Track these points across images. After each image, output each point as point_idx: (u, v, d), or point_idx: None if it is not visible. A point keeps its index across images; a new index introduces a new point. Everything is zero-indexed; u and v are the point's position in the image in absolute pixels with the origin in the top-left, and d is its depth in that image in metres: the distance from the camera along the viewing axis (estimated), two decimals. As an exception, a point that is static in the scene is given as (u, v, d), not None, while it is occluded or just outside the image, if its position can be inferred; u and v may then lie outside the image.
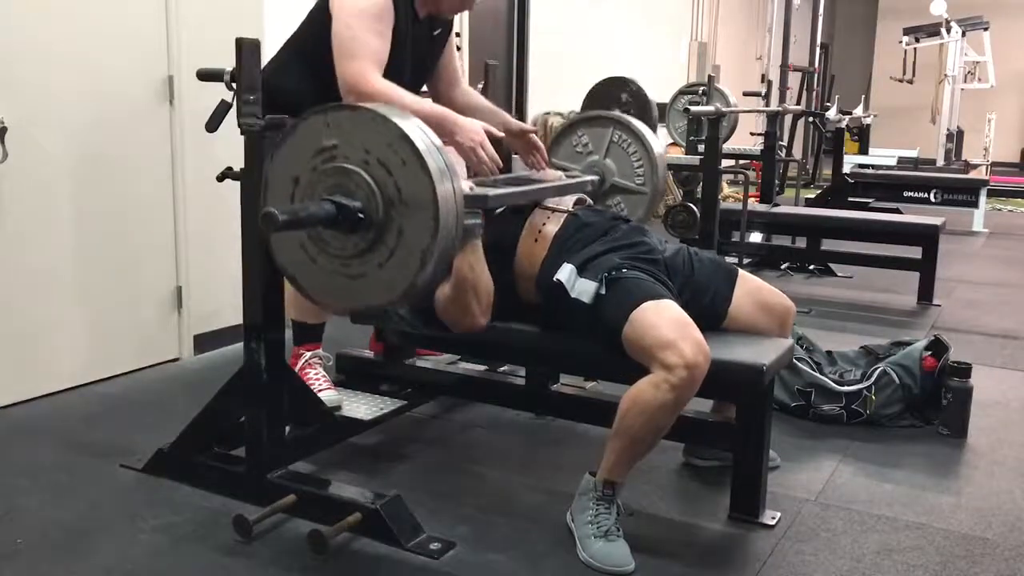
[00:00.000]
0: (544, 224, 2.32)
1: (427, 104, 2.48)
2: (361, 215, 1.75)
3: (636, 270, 2.16)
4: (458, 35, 5.58)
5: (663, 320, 2.02)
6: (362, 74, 2.33)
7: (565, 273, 2.17)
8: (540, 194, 2.44)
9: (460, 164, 2.09)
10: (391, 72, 2.40)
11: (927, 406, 2.95)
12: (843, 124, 7.42)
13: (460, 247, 2.08)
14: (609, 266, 2.15)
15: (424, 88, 2.82)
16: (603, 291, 2.11)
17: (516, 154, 2.87)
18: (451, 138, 2.34)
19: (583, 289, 2.14)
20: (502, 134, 2.62)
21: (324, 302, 1.93)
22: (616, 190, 2.78)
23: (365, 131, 1.77)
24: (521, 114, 6.48)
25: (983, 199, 7.61)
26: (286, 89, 2.45)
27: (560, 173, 2.74)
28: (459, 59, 3.04)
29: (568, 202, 2.40)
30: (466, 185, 2.13)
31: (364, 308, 1.86)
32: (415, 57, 2.63)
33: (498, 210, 2.59)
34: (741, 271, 2.39)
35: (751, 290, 2.36)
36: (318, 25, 2.51)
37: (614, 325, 2.06)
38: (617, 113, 2.84)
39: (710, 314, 2.27)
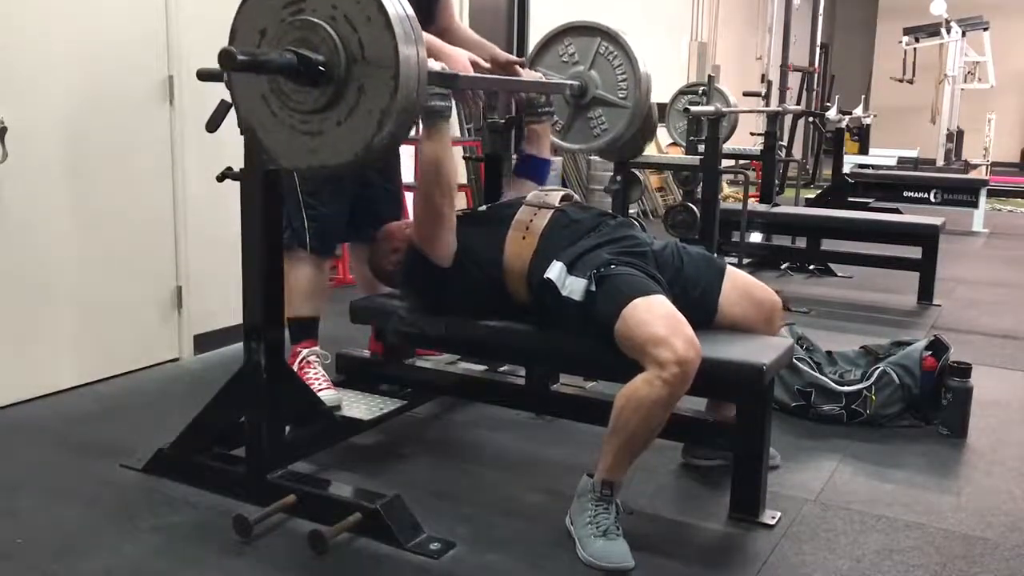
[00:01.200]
0: (531, 221, 2.32)
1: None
2: (322, 68, 1.74)
3: (626, 265, 2.16)
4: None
5: (654, 316, 2.02)
6: None
7: (555, 271, 2.17)
8: (514, 84, 2.42)
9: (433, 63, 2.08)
10: None
11: (927, 406, 2.95)
12: (843, 124, 7.42)
13: (427, 130, 2.12)
14: (598, 263, 2.16)
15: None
16: (593, 288, 2.12)
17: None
18: (420, 28, 2.33)
19: (573, 287, 2.14)
20: (488, 65, 2.62)
21: (283, 159, 1.93)
22: (597, 102, 2.77)
23: None
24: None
25: (983, 199, 7.61)
26: None
27: (539, 75, 2.75)
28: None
29: (555, 198, 2.41)
30: (437, 65, 2.13)
31: (320, 166, 1.85)
32: None
33: (485, 207, 2.60)
34: (730, 267, 2.40)
35: (739, 285, 2.36)
36: None
37: (606, 322, 2.07)
38: (607, 24, 2.83)
39: (700, 308, 2.27)
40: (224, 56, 1.67)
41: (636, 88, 2.74)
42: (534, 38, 6.67)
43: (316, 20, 1.76)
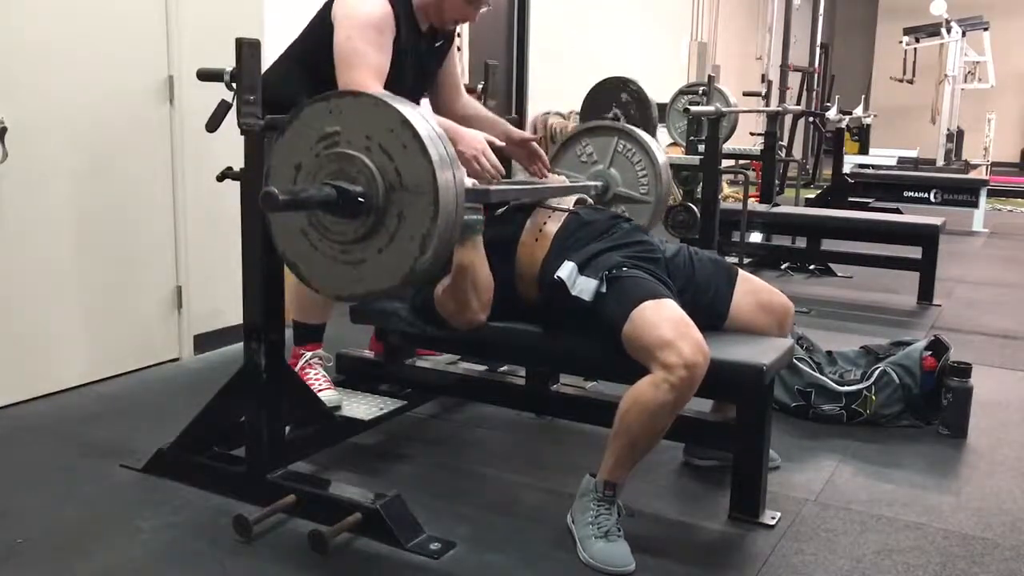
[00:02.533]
0: (545, 223, 2.32)
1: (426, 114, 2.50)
2: (361, 199, 1.76)
3: (637, 269, 2.16)
4: (458, 35, 5.58)
5: (663, 319, 2.02)
6: (363, 85, 2.33)
7: (566, 271, 2.17)
8: (542, 193, 2.45)
9: (462, 171, 2.10)
10: (392, 83, 2.41)
11: (927, 406, 2.95)
12: (843, 124, 7.42)
13: (461, 241, 2.10)
14: (610, 264, 2.16)
15: (424, 98, 2.83)
16: (604, 289, 2.12)
17: (518, 162, 2.87)
18: (453, 148, 2.34)
19: (584, 287, 2.14)
20: (503, 143, 2.63)
21: (325, 290, 1.94)
22: (620, 199, 2.79)
23: (367, 117, 1.78)
24: (521, 114, 6.48)
25: (983, 199, 7.61)
26: (287, 96, 2.46)
27: (563, 178, 2.75)
28: (460, 68, 3.05)
29: (569, 201, 2.41)
30: (469, 182, 2.13)
31: (365, 294, 1.87)
32: (416, 68, 2.65)
33: (500, 210, 2.60)
34: (741, 271, 2.40)
35: (751, 290, 2.36)
36: (319, 35, 2.52)
37: (614, 324, 2.07)
38: (622, 123, 2.86)
39: (711, 313, 2.27)
40: (266, 199, 1.67)
41: (656, 182, 2.77)
42: (534, 40, 6.68)
43: (352, 152, 1.77)
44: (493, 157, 2.45)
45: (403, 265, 1.78)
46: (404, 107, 1.77)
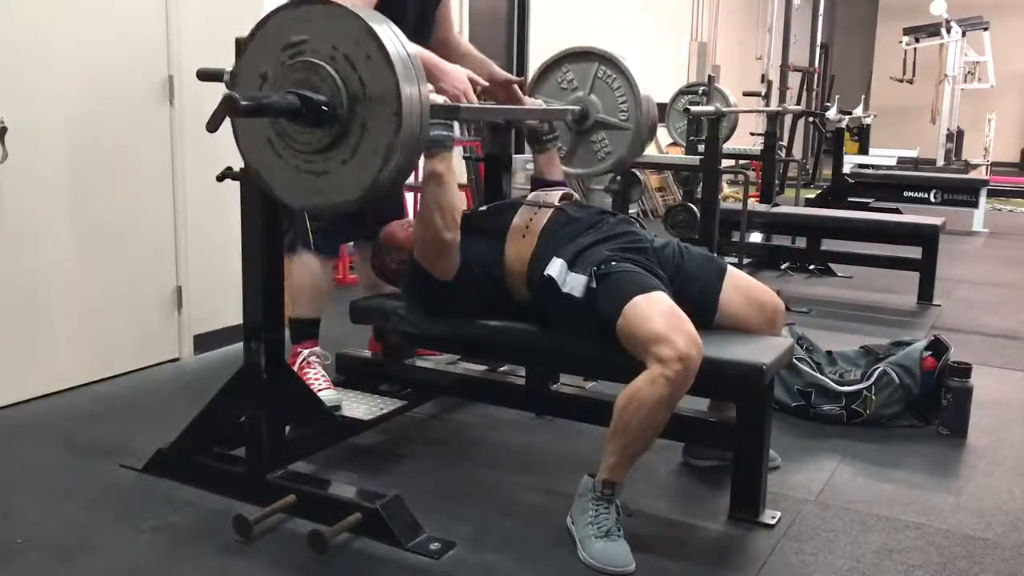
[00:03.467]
0: (530, 220, 2.32)
1: (412, 47, 2.50)
2: (325, 108, 1.76)
3: (626, 261, 2.17)
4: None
5: (654, 313, 2.02)
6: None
7: (556, 268, 2.17)
8: (518, 114, 2.43)
9: (430, 88, 2.09)
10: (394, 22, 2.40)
11: (927, 406, 2.95)
12: (843, 124, 7.42)
13: (429, 155, 2.13)
14: (598, 259, 2.16)
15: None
16: (594, 285, 2.12)
17: (498, 103, 2.86)
18: (436, 84, 2.34)
19: (574, 284, 2.14)
20: (487, 83, 2.62)
21: (288, 199, 1.94)
22: (599, 126, 2.78)
23: (333, 27, 1.78)
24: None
25: (983, 199, 7.61)
26: None
27: (539, 102, 2.76)
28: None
29: (554, 197, 2.41)
30: (439, 99, 2.14)
31: (326, 204, 1.87)
32: (417, 7, 2.63)
33: (486, 207, 2.61)
34: (732, 268, 2.40)
35: (741, 286, 2.36)
36: None
37: (607, 319, 2.07)
38: (603, 48, 2.84)
39: (700, 306, 2.27)
40: (227, 102, 1.68)
41: (636, 109, 2.75)
42: (534, 40, 6.69)
43: (316, 61, 1.77)
44: (474, 97, 2.45)
45: (366, 177, 1.78)
46: (371, 19, 1.76)
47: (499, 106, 2.55)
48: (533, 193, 2.47)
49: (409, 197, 3.50)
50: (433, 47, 2.68)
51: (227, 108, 1.69)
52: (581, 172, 2.97)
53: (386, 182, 1.78)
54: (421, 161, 2.08)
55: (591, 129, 2.81)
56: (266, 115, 1.79)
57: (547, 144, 2.72)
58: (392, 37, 1.75)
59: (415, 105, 1.75)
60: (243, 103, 1.69)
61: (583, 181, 7.22)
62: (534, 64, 6.70)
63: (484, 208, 2.62)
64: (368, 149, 1.77)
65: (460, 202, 2.25)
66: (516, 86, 2.72)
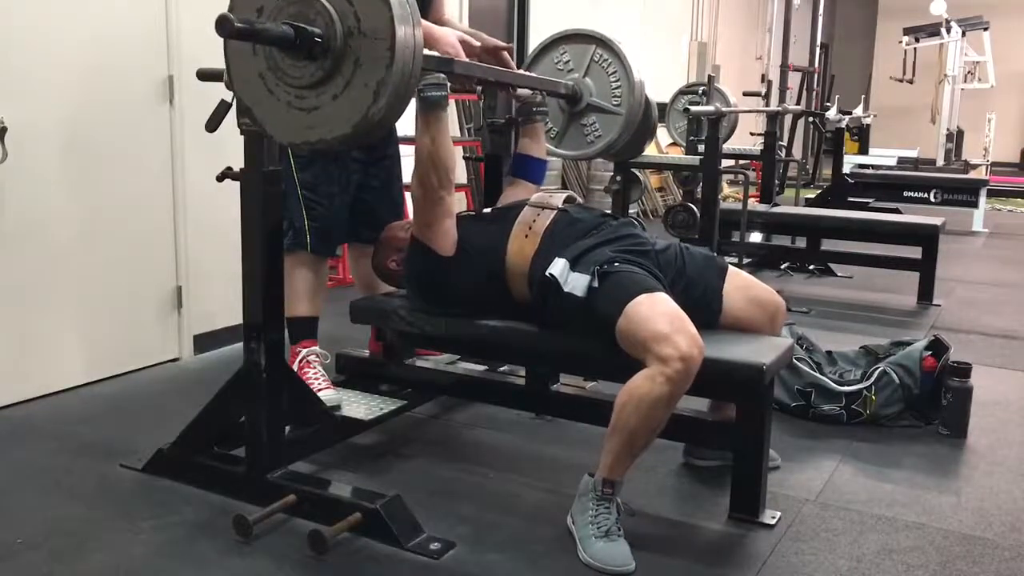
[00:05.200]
0: (534, 221, 2.33)
1: None
2: (318, 39, 1.76)
3: (628, 263, 2.17)
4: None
5: (657, 313, 2.02)
6: None
7: (558, 268, 2.17)
8: (512, 77, 2.43)
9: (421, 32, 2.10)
10: None
11: (927, 406, 2.95)
12: (843, 124, 7.43)
13: (423, 115, 2.14)
14: (601, 259, 2.16)
15: None
16: (596, 284, 2.12)
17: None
18: (428, 49, 2.35)
19: (576, 283, 2.14)
20: (478, 43, 2.63)
21: (279, 135, 1.94)
22: (592, 109, 2.79)
23: None
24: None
25: (983, 199, 7.62)
26: None
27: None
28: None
29: (558, 199, 2.42)
30: (434, 53, 2.15)
31: (316, 140, 1.87)
32: None
33: (488, 209, 2.61)
34: (732, 267, 2.40)
35: (742, 285, 2.37)
36: None
37: (608, 319, 2.07)
38: (600, 32, 2.84)
39: (703, 308, 2.27)
40: (221, 22, 1.68)
41: (630, 95, 2.75)
42: (534, 39, 6.68)
43: None
44: (465, 59, 2.45)
45: (356, 113, 1.78)
46: None
47: (492, 66, 2.54)
48: (537, 195, 2.47)
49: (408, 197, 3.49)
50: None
51: (220, 27, 1.68)
52: (570, 154, 2.97)
53: (376, 119, 1.79)
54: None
55: (583, 112, 2.82)
56: (259, 40, 1.80)
57: (535, 116, 2.72)
58: None
59: (409, 43, 1.76)
60: (237, 24, 1.68)
61: (584, 182, 7.23)
62: (534, 64, 6.72)
63: (487, 211, 2.62)
64: (359, 84, 1.77)
65: (453, 162, 2.26)
66: (506, 52, 2.73)
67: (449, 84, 2.23)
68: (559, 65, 2.84)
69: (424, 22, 2.39)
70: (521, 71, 2.73)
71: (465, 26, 2.97)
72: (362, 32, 1.76)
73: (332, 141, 1.85)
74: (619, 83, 2.76)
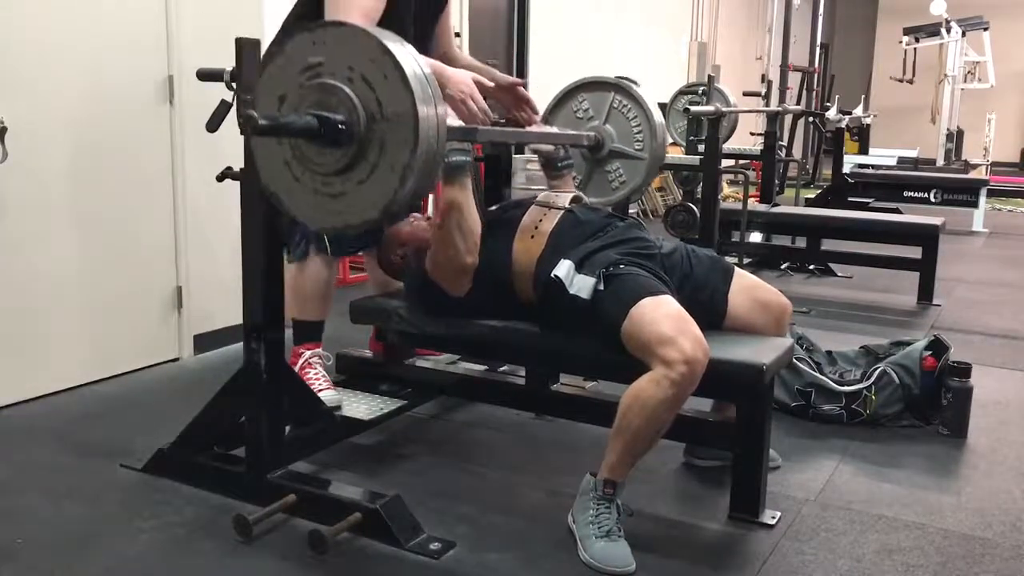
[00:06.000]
0: (540, 221, 2.32)
1: (427, 65, 2.49)
2: (343, 127, 1.76)
3: (634, 266, 2.17)
4: (457, 35, 5.58)
5: (662, 316, 2.02)
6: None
7: (563, 269, 2.17)
8: (533, 137, 2.43)
9: (448, 111, 2.11)
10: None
11: (927, 406, 2.95)
12: (843, 124, 7.42)
13: (448, 181, 2.13)
14: (607, 262, 2.16)
15: None
16: (601, 287, 2.12)
17: (504, 107, 2.86)
18: (441, 91, 2.34)
19: (581, 285, 2.14)
20: (492, 84, 2.62)
21: (307, 221, 1.95)
22: (615, 155, 2.78)
23: (350, 48, 1.78)
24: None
25: (983, 199, 7.62)
26: None
27: (554, 128, 2.75)
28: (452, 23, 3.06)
29: (564, 200, 2.41)
30: (456, 120, 2.14)
31: (345, 226, 1.88)
32: (417, 17, 2.63)
33: (494, 207, 2.61)
34: (738, 269, 2.40)
35: (748, 287, 2.36)
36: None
37: (613, 321, 2.07)
38: (618, 78, 2.84)
39: (709, 311, 2.27)
40: (246, 120, 1.68)
41: (652, 138, 2.75)
42: (534, 40, 6.69)
43: (334, 82, 1.77)
44: (481, 100, 2.45)
45: (383, 197, 1.78)
46: (387, 39, 1.76)
47: (516, 130, 2.54)
48: (543, 194, 2.47)
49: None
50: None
51: (245, 126, 1.69)
52: (595, 202, 2.97)
53: (403, 202, 1.78)
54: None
55: (606, 158, 2.81)
56: (284, 135, 1.80)
57: (562, 170, 2.69)
58: (408, 56, 1.76)
59: (432, 124, 1.75)
60: (261, 122, 1.69)
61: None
62: (534, 65, 6.72)
63: (493, 208, 2.62)
64: (385, 169, 1.77)
65: (478, 225, 2.24)
66: (520, 88, 2.72)
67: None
68: (579, 113, 2.84)
69: (436, 64, 2.41)
70: (543, 127, 2.71)
71: (471, 59, 2.96)
72: (385, 117, 1.75)
73: (361, 225, 1.85)
74: (640, 127, 2.75)
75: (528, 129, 2.65)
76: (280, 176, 1.90)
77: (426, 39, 2.77)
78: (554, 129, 2.75)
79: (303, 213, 1.91)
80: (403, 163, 1.74)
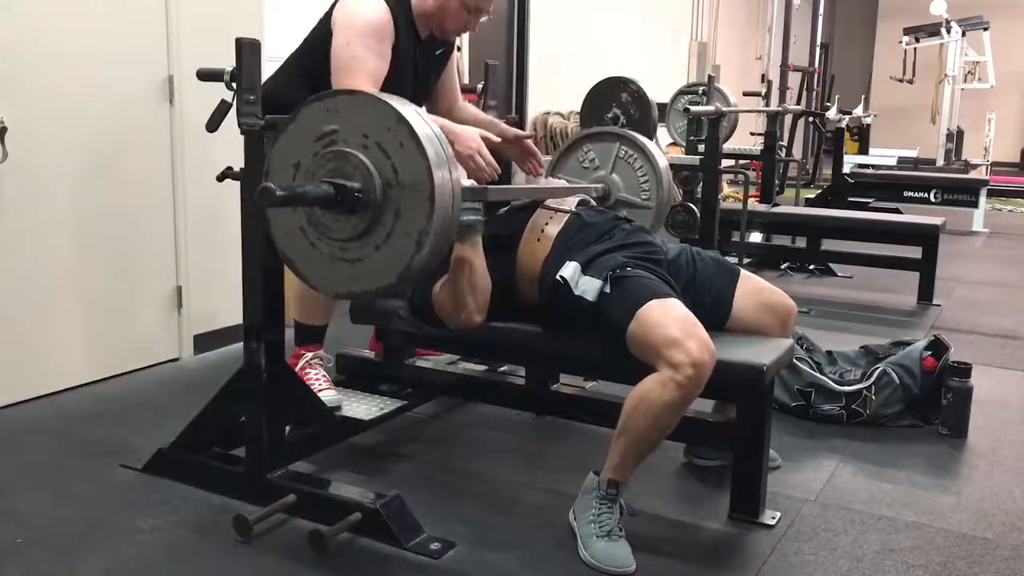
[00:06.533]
0: (546, 224, 2.32)
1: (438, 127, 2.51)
2: (359, 195, 1.77)
3: (641, 268, 2.16)
4: (458, 48, 5.58)
5: (668, 318, 2.02)
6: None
7: (569, 271, 2.17)
8: (542, 193, 2.45)
9: (460, 173, 2.11)
10: (391, 91, 2.40)
11: (927, 406, 2.95)
12: (843, 124, 7.42)
13: (460, 240, 2.11)
14: (614, 264, 2.16)
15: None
16: (608, 289, 2.11)
17: (513, 160, 2.88)
18: (449, 147, 2.35)
19: (587, 287, 2.14)
20: (499, 139, 2.63)
21: (323, 288, 1.95)
22: (621, 204, 2.79)
23: (364, 115, 1.79)
24: (521, 114, 6.48)
25: (983, 199, 7.61)
26: (290, 103, 2.46)
27: (563, 182, 2.76)
28: (459, 70, 3.07)
29: (571, 203, 2.41)
30: (468, 181, 2.14)
31: (362, 292, 1.89)
32: (416, 76, 2.65)
33: (501, 210, 2.61)
34: (743, 271, 2.40)
35: (753, 290, 2.36)
36: (321, 40, 2.52)
37: (620, 323, 2.07)
38: (623, 129, 2.85)
39: (713, 314, 2.27)
40: (263, 193, 1.69)
41: (658, 187, 2.76)
42: (534, 39, 6.68)
43: (349, 150, 1.78)
44: (489, 155, 2.46)
45: (400, 262, 1.79)
46: (401, 106, 1.78)
47: (526, 187, 2.55)
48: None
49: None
50: (440, 114, 2.69)
51: (262, 199, 1.70)
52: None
53: (420, 266, 1.79)
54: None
55: (613, 208, 2.81)
56: (301, 204, 1.80)
57: None
58: (421, 122, 1.77)
59: (447, 189, 1.76)
60: (279, 193, 1.70)
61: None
62: (534, 65, 6.71)
63: (501, 212, 2.61)
64: (401, 233, 1.77)
65: (489, 283, 2.22)
66: (527, 140, 2.74)
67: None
68: (584, 163, 2.84)
69: (444, 121, 2.42)
70: (552, 181, 2.72)
71: (477, 110, 2.97)
72: (401, 184, 1.76)
73: (377, 291, 1.86)
74: (646, 177, 2.76)
75: (538, 185, 2.65)
76: (296, 242, 1.91)
77: (426, 95, 2.78)
78: (563, 182, 2.75)
79: (319, 279, 1.92)
80: (419, 229, 1.76)
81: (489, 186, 2.24)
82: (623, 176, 2.79)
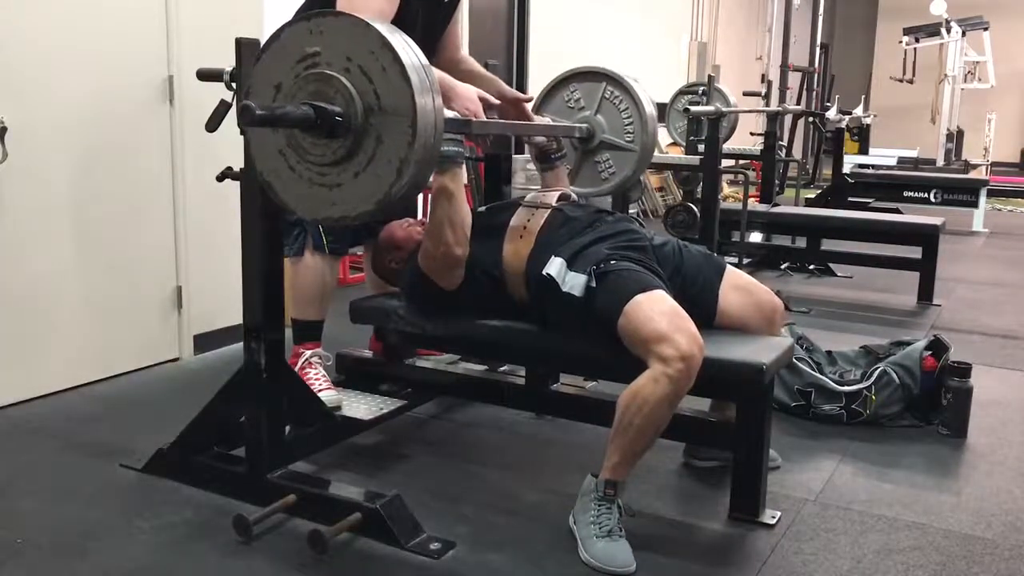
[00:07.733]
0: (528, 221, 2.32)
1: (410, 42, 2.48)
2: (339, 119, 1.75)
3: (625, 260, 2.17)
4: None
5: (656, 312, 2.02)
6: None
7: (555, 267, 2.17)
8: (527, 129, 2.43)
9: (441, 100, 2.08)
10: None
11: (927, 406, 2.95)
12: (843, 124, 7.43)
13: (440, 170, 2.13)
14: (597, 258, 2.16)
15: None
16: (593, 284, 2.12)
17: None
18: (447, 104, 2.33)
19: (574, 283, 2.14)
20: (498, 101, 2.62)
21: (301, 211, 1.93)
22: (605, 146, 2.77)
23: (348, 38, 1.76)
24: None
25: (983, 199, 7.62)
26: None
27: (548, 120, 2.75)
28: (461, 27, 3.04)
29: (551, 198, 2.41)
30: (451, 112, 2.14)
31: (339, 217, 1.86)
32: (424, 24, 2.62)
33: (482, 208, 2.61)
34: (730, 267, 2.40)
35: (740, 285, 2.36)
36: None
37: (608, 318, 2.07)
38: (610, 69, 2.83)
39: (700, 304, 2.27)
40: (242, 111, 1.68)
41: (642, 131, 2.74)
42: (534, 41, 6.69)
43: (331, 73, 1.76)
44: (484, 117, 2.45)
45: (379, 190, 1.77)
46: (386, 30, 1.74)
47: (509, 122, 2.54)
48: (531, 194, 2.48)
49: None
50: (440, 67, 2.67)
51: (242, 118, 1.68)
52: (584, 192, 2.97)
53: (399, 195, 1.77)
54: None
55: (596, 149, 2.80)
56: (280, 125, 1.79)
57: (554, 162, 2.70)
58: (407, 48, 1.74)
59: (430, 117, 1.74)
60: (258, 112, 1.68)
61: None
62: (534, 65, 6.72)
63: (482, 209, 2.62)
64: (382, 161, 1.75)
65: (468, 217, 2.25)
66: (525, 103, 2.73)
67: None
68: (570, 103, 2.83)
69: (444, 76, 2.39)
70: (536, 119, 2.71)
71: (478, 66, 2.96)
72: (383, 109, 1.74)
73: (355, 217, 1.84)
74: (631, 119, 2.74)
75: (522, 122, 2.65)
76: (274, 164, 1.89)
77: (431, 45, 2.77)
78: (548, 120, 2.75)
79: (297, 203, 1.90)
80: (400, 156, 1.73)
81: (471, 118, 2.23)
82: (608, 117, 2.78)
